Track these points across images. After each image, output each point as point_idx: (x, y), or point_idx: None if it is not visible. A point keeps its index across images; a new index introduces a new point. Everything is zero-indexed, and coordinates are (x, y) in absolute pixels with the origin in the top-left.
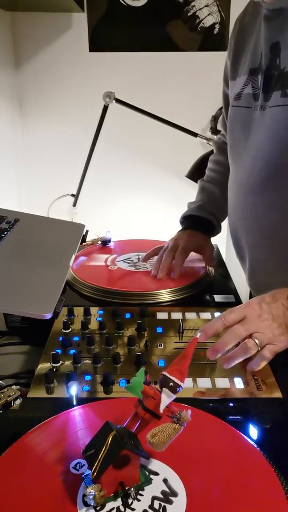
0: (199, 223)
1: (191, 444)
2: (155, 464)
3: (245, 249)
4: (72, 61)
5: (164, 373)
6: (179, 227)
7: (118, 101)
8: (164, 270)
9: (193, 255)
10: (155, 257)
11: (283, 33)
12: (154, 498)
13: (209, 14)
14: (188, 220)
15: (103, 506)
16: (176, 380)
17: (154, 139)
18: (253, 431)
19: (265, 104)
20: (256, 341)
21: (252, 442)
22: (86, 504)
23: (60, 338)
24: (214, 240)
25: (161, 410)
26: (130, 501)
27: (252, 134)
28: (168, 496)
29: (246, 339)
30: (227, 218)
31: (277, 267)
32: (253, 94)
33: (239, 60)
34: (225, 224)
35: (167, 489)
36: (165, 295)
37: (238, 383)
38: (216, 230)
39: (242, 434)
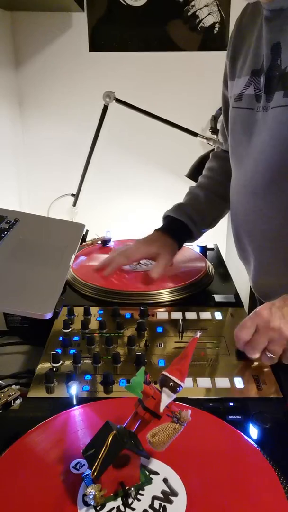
0: (173, 225)
1: (191, 444)
2: (155, 464)
3: (249, 251)
4: (72, 61)
5: (164, 372)
6: None
7: (118, 101)
8: (101, 266)
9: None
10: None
11: (284, 33)
12: (154, 497)
13: (209, 14)
14: (164, 221)
15: (103, 506)
16: (176, 380)
17: (154, 139)
18: (253, 431)
19: (268, 105)
20: (269, 354)
21: (252, 442)
22: (86, 503)
23: (60, 338)
24: (214, 240)
25: (161, 410)
26: (130, 500)
27: (255, 136)
28: (168, 495)
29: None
30: (228, 219)
31: (282, 269)
32: (255, 95)
33: (237, 60)
34: (225, 224)
35: (167, 489)
36: (165, 295)
37: (238, 383)
38: (192, 234)
39: (242, 434)
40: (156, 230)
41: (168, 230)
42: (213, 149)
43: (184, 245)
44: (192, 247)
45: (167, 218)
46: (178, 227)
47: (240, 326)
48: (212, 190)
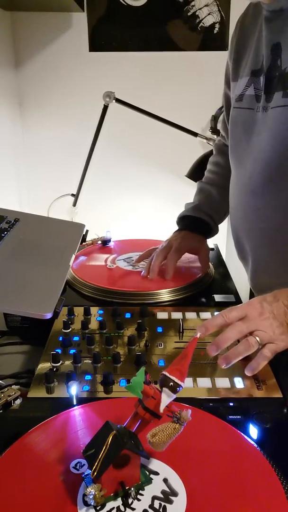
0: (194, 224)
1: (191, 444)
2: (155, 464)
3: (247, 250)
4: (72, 61)
5: (164, 372)
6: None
7: (118, 101)
8: (155, 270)
9: (192, 255)
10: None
11: (283, 33)
12: (154, 497)
13: (209, 14)
14: (184, 221)
15: (103, 506)
16: (176, 380)
17: (154, 138)
18: (253, 431)
19: (267, 105)
20: (257, 338)
21: (252, 442)
22: (86, 503)
23: (60, 338)
24: (214, 240)
25: (161, 410)
26: (130, 500)
27: (255, 136)
28: (168, 495)
29: (247, 336)
30: (227, 219)
31: (280, 268)
32: (255, 95)
33: (240, 61)
34: (225, 224)
35: (167, 489)
36: (165, 295)
37: (238, 383)
38: (212, 231)
39: (242, 434)
40: (180, 230)
41: (193, 229)
42: (213, 149)
43: None
44: None
45: (186, 218)
46: (201, 225)
47: (229, 308)
48: (222, 186)
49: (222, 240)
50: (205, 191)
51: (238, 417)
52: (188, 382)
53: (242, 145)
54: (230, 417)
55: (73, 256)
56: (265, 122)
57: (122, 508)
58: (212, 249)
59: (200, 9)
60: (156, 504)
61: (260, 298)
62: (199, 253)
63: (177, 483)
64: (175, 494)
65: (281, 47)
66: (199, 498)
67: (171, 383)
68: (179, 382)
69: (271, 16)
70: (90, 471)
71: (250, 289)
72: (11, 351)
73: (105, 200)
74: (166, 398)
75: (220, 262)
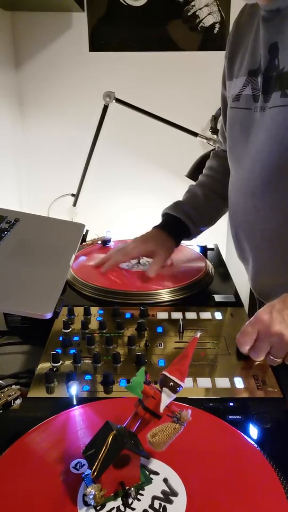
0: (170, 222)
1: (191, 444)
2: (155, 464)
3: (248, 251)
4: (72, 61)
5: (164, 372)
6: None
7: (118, 100)
8: (99, 263)
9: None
10: (149, 259)
11: (281, 33)
12: (154, 497)
13: (209, 14)
14: (163, 218)
15: (103, 506)
16: (176, 380)
17: (154, 138)
18: (253, 431)
19: (265, 105)
20: (273, 358)
21: (252, 442)
22: (86, 503)
23: (60, 338)
24: (214, 240)
25: (161, 410)
26: (130, 500)
27: (252, 136)
28: (168, 495)
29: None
30: (227, 220)
31: (280, 269)
32: (253, 95)
33: (234, 60)
34: (225, 224)
35: (167, 489)
36: (165, 295)
37: (238, 383)
38: (189, 232)
39: (242, 434)
40: (154, 227)
41: (166, 227)
42: (213, 149)
43: (184, 244)
44: (192, 247)
45: (165, 215)
46: (176, 224)
47: (241, 333)
48: (211, 188)
49: (222, 240)
50: (192, 191)
51: (238, 417)
52: (188, 382)
53: (240, 145)
54: (230, 417)
55: (73, 256)
56: (263, 122)
57: (122, 508)
58: (212, 249)
59: (200, 9)
60: (156, 504)
61: (269, 307)
62: (153, 259)
63: (177, 483)
64: (175, 494)
65: (278, 47)
66: (199, 498)
67: (171, 383)
68: (179, 382)
69: (268, 16)
70: (90, 471)
71: (250, 289)
72: (11, 351)
73: (105, 200)
74: (166, 398)
75: (220, 262)
